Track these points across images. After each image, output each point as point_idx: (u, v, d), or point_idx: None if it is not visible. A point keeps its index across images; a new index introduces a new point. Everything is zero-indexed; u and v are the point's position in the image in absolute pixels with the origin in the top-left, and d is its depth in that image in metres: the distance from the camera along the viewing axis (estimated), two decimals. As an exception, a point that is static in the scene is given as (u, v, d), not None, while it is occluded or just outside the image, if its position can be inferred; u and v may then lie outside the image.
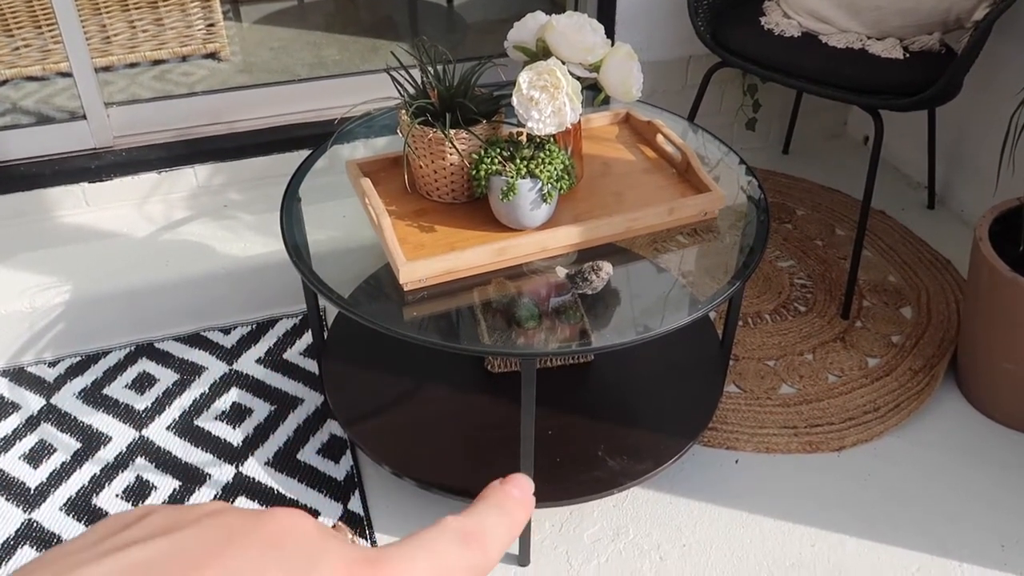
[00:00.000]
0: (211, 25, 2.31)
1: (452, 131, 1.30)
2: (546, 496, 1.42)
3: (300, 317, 1.97)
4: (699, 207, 1.40)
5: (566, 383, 1.63)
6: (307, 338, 1.91)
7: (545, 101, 1.25)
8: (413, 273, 1.26)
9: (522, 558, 1.48)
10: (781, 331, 1.96)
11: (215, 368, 1.84)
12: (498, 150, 1.30)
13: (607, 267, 1.25)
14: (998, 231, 1.70)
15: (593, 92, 1.40)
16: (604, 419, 1.56)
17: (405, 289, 1.28)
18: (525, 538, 1.46)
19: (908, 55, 1.90)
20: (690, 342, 1.73)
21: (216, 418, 1.73)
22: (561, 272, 1.29)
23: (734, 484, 1.63)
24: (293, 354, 1.88)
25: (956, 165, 2.33)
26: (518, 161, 1.28)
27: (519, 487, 0.28)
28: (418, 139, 1.33)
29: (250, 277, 1.94)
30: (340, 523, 0.49)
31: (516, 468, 1.42)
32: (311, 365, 1.85)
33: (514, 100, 1.26)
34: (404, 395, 1.61)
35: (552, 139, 1.33)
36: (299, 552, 0.22)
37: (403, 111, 1.34)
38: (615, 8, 2.17)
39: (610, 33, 2.20)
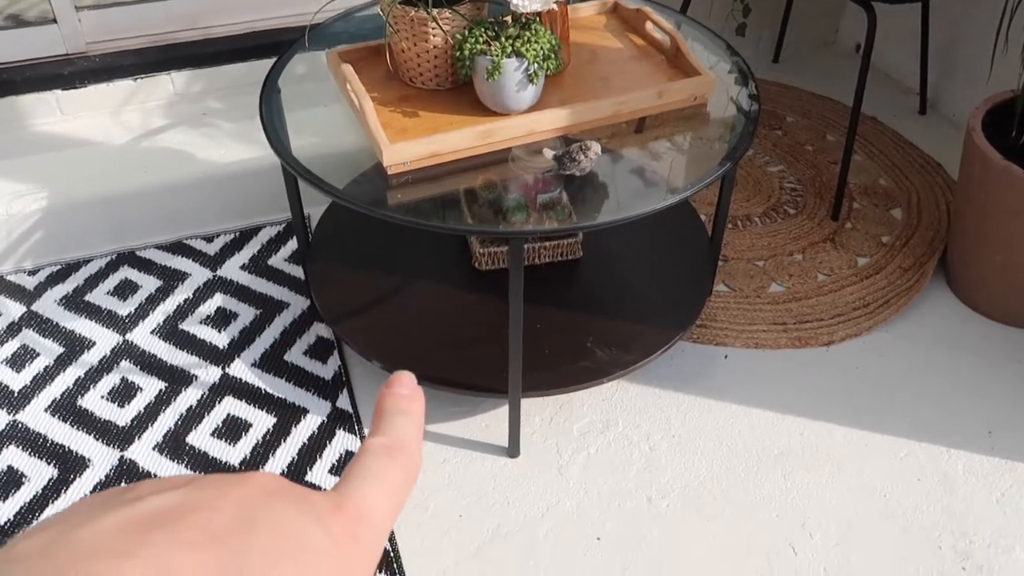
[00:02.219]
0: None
1: (435, 10, 1.26)
2: (535, 385, 1.41)
3: (284, 224, 1.94)
4: (689, 91, 1.37)
5: (554, 279, 1.62)
6: (292, 245, 1.89)
7: (530, -25, 1.20)
8: (397, 155, 1.23)
9: (512, 450, 1.48)
10: (771, 233, 1.95)
11: (198, 275, 1.81)
12: (483, 29, 1.26)
13: (595, 147, 1.22)
14: (990, 123, 1.68)
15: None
16: (593, 313, 1.55)
17: (389, 173, 1.25)
18: (514, 431, 1.46)
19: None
20: (679, 241, 1.71)
21: (201, 322, 1.71)
22: (548, 154, 1.27)
23: (723, 378, 1.63)
24: (278, 260, 1.85)
25: (948, 69, 2.30)
26: (503, 40, 1.24)
27: (403, 384, 0.31)
28: (400, 20, 1.29)
29: (231, 184, 1.90)
30: None
31: (504, 359, 1.41)
32: (296, 271, 1.82)
33: (498, -25, 1.22)
34: (391, 294, 1.59)
35: (538, 19, 1.29)
36: (296, 499, 0.24)
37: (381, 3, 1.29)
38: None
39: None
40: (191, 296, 1.76)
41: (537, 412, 1.56)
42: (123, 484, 0.30)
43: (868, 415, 1.56)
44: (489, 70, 1.23)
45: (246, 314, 1.72)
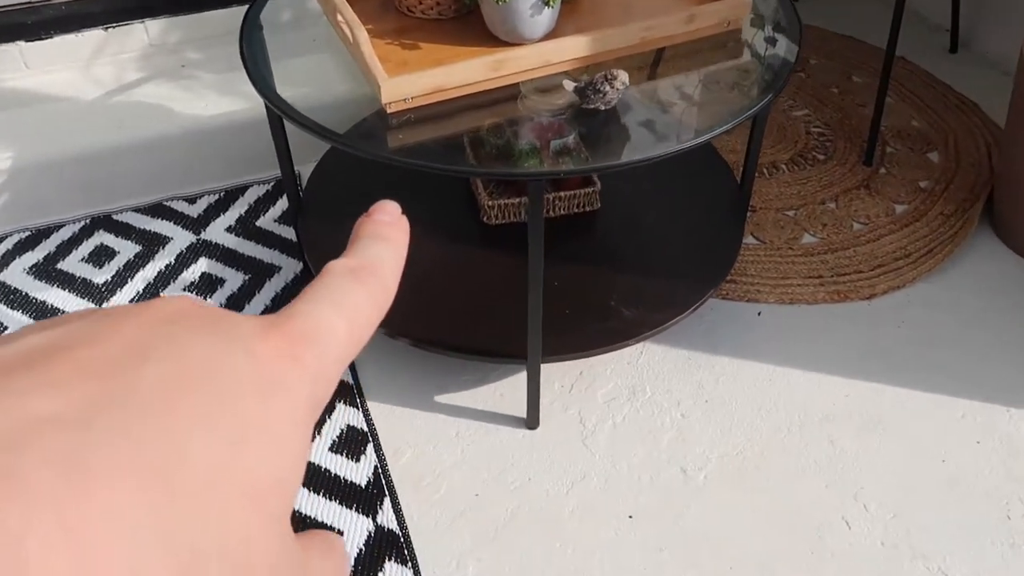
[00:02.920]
0: None
1: (435, -77, 1.10)
2: (557, 349, 1.28)
3: (272, 182, 1.79)
4: (721, 15, 1.21)
5: (570, 234, 1.47)
6: (281, 204, 1.74)
7: None
8: (396, 91, 1.08)
9: (530, 420, 1.34)
10: (799, 180, 1.80)
11: (181, 238, 1.66)
12: (490, -55, 1.11)
13: (622, 76, 1.07)
14: (1045, 51, 1.53)
15: None
16: (615, 270, 1.41)
17: (388, 111, 1.10)
18: (533, 399, 1.32)
19: None
20: (705, 189, 1.57)
21: (185, 289, 1.56)
22: (569, 86, 1.12)
23: (757, 337, 1.49)
24: (267, 221, 1.70)
25: (981, 3, 2.14)
26: (514, -47, 1.09)
27: (384, 211, 0.26)
28: (395, -64, 1.13)
29: (214, 140, 1.75)
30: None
31: (520, 321, 1.27)
32: (287, 232, 1.68)
33: None
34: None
35: (552, -68, 1.13)
36: (210, 322, 0.19)
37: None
38: None
39: None
40: (173, 262, 1.62)
41: (556, 378, 1.42)
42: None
43: (918, 373, 1.42)
44: (499, -10, 1.08)
45: (234, 280, 1.58)
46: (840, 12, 2.34)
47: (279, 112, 1.13)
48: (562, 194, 1.46)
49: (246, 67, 1.20)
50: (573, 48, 1.14)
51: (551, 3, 1.10)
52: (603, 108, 1.10)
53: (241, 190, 1.77)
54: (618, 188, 1.55)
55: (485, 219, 1.48)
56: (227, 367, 0.18)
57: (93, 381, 0.16)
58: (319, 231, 1.48)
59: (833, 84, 2.07)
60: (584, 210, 1.50)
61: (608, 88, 1.07)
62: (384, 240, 0.25)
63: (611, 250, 1.45)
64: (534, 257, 1.12)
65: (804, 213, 1.72)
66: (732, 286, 1.57)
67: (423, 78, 1.08)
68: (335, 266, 0.23)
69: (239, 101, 1.77)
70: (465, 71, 1.10)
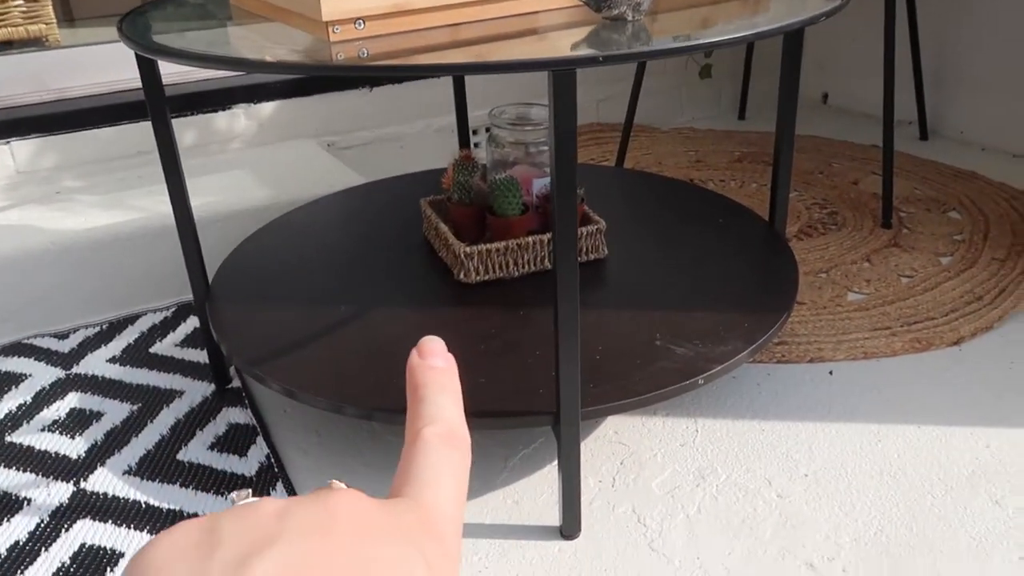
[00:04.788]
0: (33, 0, 1.82)
1: None
2: (601, 398, 0.87)
3: (172, 309, 1.38)
4: (744, -53, 0.97)
5: (581, 280, 1.11)
6: (183, 329, 1.33)
7: None
8: (341, 2, 0.76)
9: (567, 525, 0.90)
10: (818, 247, 1.51)
11: (42, 375, 1.22)
12: None
13: (653, -37, 0.78)
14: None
15: None
16: (650, 311, 1.04)
17: (331, 40, 0.77)
18: (569, 494, 0.88)
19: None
20: (728, 230, 1.25)
21: (43, 430, 1.10)
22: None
23: (838, 396, 1.11)
24: (165, 347, 1.28)
25: (944, 87, 2.03)
26: None
27: (435, 355, 0.29)
28: None
29: (95, 259, 1.36)
30: (334, 481, 0.22)
31: (531, 375, 0.88)
32: (195, 355, 1.26)
33: None
34: (341, 328, 1.05)
35: None
36: (390, 537, 0.22)
37: None
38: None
39: None
40: (29, 400, 1.16)
41: (589, 472, 0.99)
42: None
43: (1066, 409, 1.06)
44: None
45: (116, 412, 1.13)
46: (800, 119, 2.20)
47: (163, 55, 0.78)
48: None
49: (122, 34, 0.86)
50: (575, -35, 0.86)
51: (540, -97, 0.83)
52: (631, 16, 0.79)
53: (129, 320, 1.36)
54: (626, 232, 1.22)
55: (462, 276, 1.11)
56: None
57: None
58: (235, 311, 1.08)
59: (815, 170, 1.86)
60: (589, 257, 1.15)
61: (636, -18, 0.77)
62: (447, 391, 0.28)
63: (634, 294, 1.08)
64: (564, 263, 0.75)
65: (839, 273, 1.42)
66: (786, 348, 1.22)
67: (379, -16, 0.77)
68: (428, 436, 0.26)
69: (128, 212, 1.41)
70: (436, -18, 0.79)
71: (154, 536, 0.22)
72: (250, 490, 0.25)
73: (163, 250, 1.37)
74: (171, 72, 1.59)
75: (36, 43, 1.88)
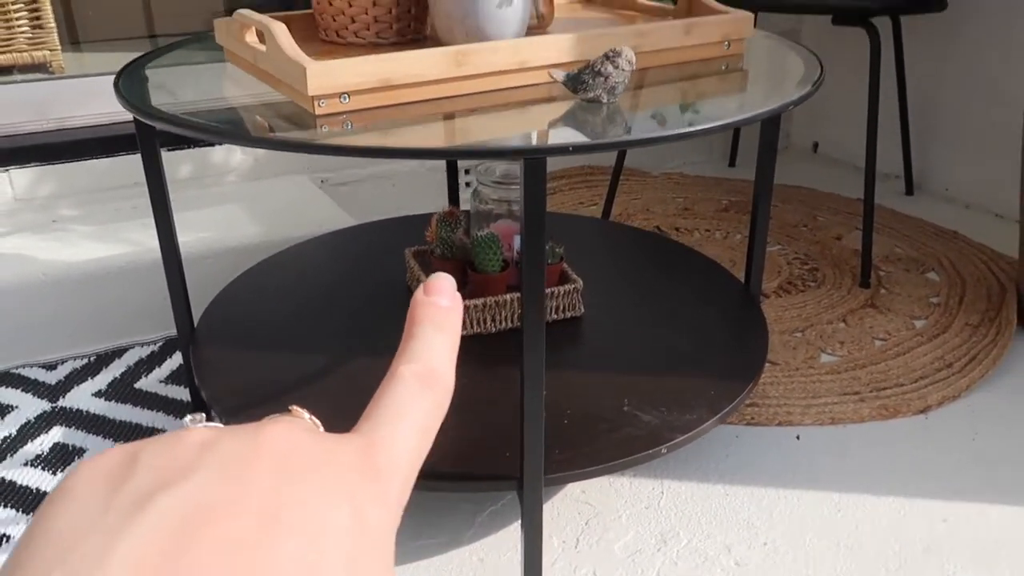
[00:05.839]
0: (38, 27, 1.86)
1: (371, -92, 0.88)
2: (565, 465, 0.90)
3: (160, 343, 1.41)
4: (723, 29, 1.00)
5: (552, 341, 1.14)
6: (169, 365, 1.35)
7: None
8: (327, 79, 0.79)
9: (529, 586, 0.92)
10: (796, 305, 1.54)
11: (28, 407, 1.25)
12: (442, -70, 0.89)
13: (628, 52, 0.82)
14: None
15: None
16: (619, 373, 1.07)
17: (317, 114, 0.80)
18: (532, 555, 0.91)
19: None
20: (703, 289, 1.28)
21: (26, 464, 1.13)
22: (558, 75, 0.85)
23: (803, 463, 1.14)
24: (150, 383, 1.31)
25: (930, 143, 2.07)
26: (475, -75, 0.86)
27: (442, 292, 0.27)
28: (321, -73, 0.90)
29: (86, 291, 1.39)
30: (295, 407, 0.22)
31: (500, 438, 0.91)
32: (177, 392, 1.28)
33: None
34: (326, 373, 1.07)
35: (516, -76, 0.92)
36: (315, 473, 0.21)
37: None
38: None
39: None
40: (14, 433, 1.19)
41: (554, 532, 1.02)
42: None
43: (1019, 490, 1.09)
44: (459, -36, 0.84)
45: (98, 448, 1.16)
46: (783, 173, 2.23)
47: (152, 122, 0.81)
48: (536, 294, 1.15)
49: (117, 89, 0.89)
50: (555, 47, 0.89)
51: (524, -13, 0.87)
52: (606, 99, 0.83)
53: (117, 353, 1.38)
54: (603, 289, 1.25)
55: (440, 331, 1.14)
56: (340, 532, 0.20)
57: (240, 566, 0.18)
58: (218, 356, 1.11)
59: (800, 223, 1.90)
60: (565, 315, 1.18)
61: (611, 69, 0.81)
62: (442, 331, 0.26)
63: (607, 355, 1.11)
64: (531, 327, 0.78)
65: (814, 333, 1.44)
66: (756, 410, 1.24)
67: (364, 64, 0.80)
68: (403, 373, 0.25)
69: (120, 246, 1.44)
70: (420, 62, 0.82)
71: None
72: (204, 414, 0.24)
73: (153, 285, 1.40)
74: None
75: (40, 68, 1.92)
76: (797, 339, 1.43)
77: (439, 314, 0.27)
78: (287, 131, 0.81)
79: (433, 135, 0.82)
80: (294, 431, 0.22)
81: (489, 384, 1.04)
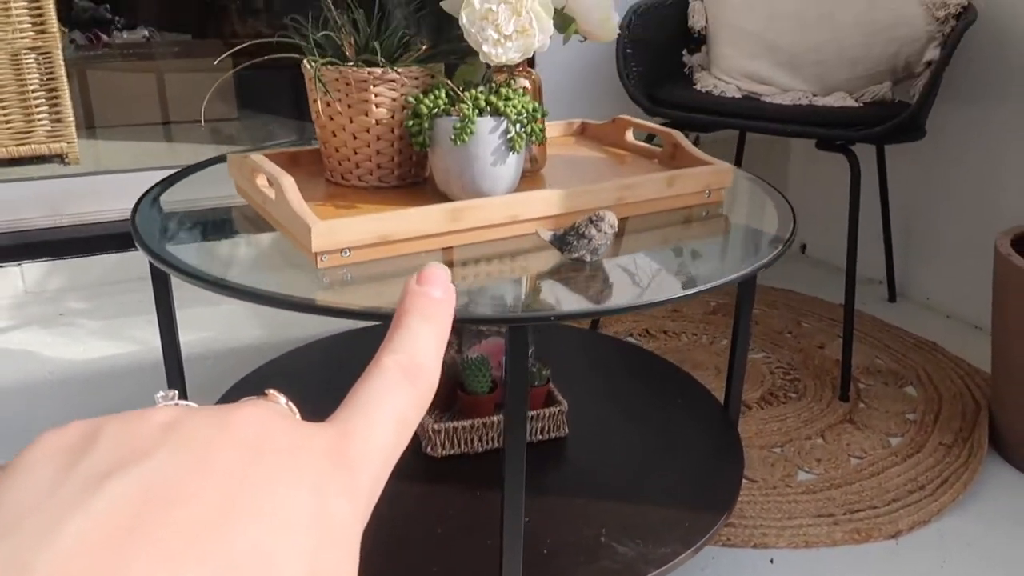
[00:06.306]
0: (58, 121, 1.94)
1: (379, 70, 0.96)
2: (539, 597, 0.94)
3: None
4: (704, 180, 1.07)
5: (536, 462, 1.19)
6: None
7: (506, 16, 0.93)
8: (331, 237, 0.86)
9: None
10: (777, 418, 1.59)
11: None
12: (443, 91, 0.96)
13: (610, 217, 0.88)
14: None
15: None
16: (599, 501, 1.12)
17: (319, 266, 0.86)
18: None
19: (861, 105, 1.73)
20: (684, 412, 1.33)
21: None
22: (544, 235, 0.91)
23: (779, 588, 1.18)
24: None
25: (912, 253, 2.14)
26: (474, 92, 0.94)
27: (435, 283, 0.26)
28: (332, 85, 0.97)
29: (90, 392, 1.44)
30: (271, 391, 0.24)
31: (477, 565, 0.95)
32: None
33: (463, 18, 0.94)
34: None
35: (509, 83, 1.00)
36: (281, 459, 0.20)
37: (305, 61, 0.99)
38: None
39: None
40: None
41: (532, 655, 1.05)
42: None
43: (988, 619, 1.12)
44: (457, 129, 0.91)
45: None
46: (770, 275, 2.31)
47: (167, 269, 0.87)
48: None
49: (134, 229, 0.96)
50: (544, 202, 0.96)
51: (516, 147, 0.94)
52: (589, 259, 0.89)
53: (117, 449, 1.43)
54: (588, 410, 1.30)
55: (429, 450, 1.19)
56: (303, 525, 0.19)
57: (194, 550, 0.17)
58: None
59: (785, 330, 1.96)
60: (550, 436, 1.23)
61: (595, 232, 0.87)
62: (431, 322, 0.26)
63: (588, 479, 1.16)
64: (512, 466, 0.83)
65: (792, 449, 1.49)
66: (733, 530, 1.28)
67: (365, 223, 0.86)
68: (387, 364, 0.24)
69: (127, 344, 1.50)
70: (418, 219, 0.89)
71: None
72: (176, 392, 0.23)
73: (157, 385, 1.45)
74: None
75: (56, 159, 2.00)
76: (776, 455, 1.48)
77: (430, 305, 0.26)
78: (292, 276, 0.87)
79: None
80: (267, 415, 0.21)
81: (473, 509, 1.09)
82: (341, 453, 0.21)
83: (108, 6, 3.54)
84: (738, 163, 2.22)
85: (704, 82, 1.87)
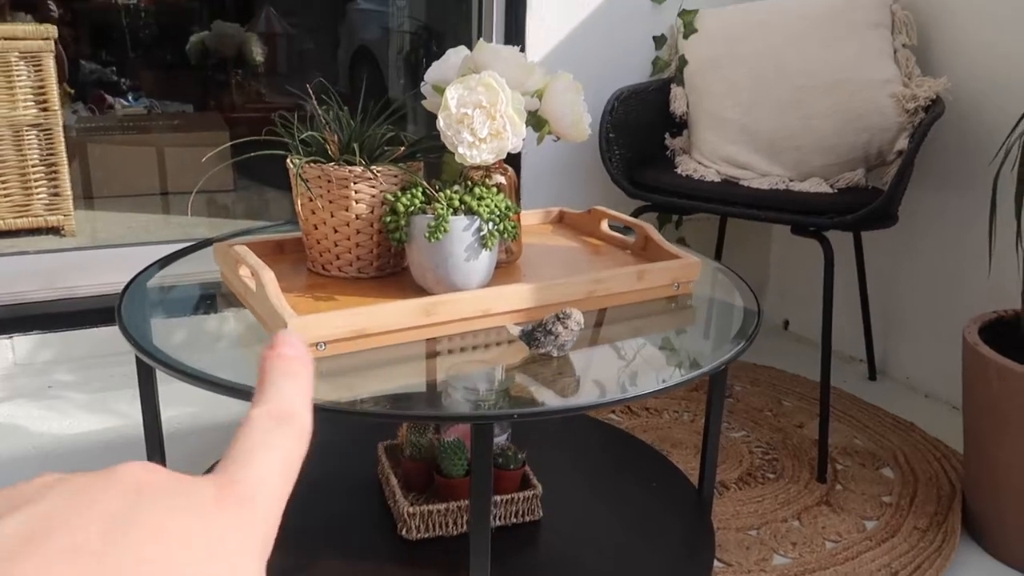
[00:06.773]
0: (56, 195, 1.98)
1: (359, 168, 1.00)
2: None
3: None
4: (672, 274, 1.12)
5: (510, 547, 1.21)
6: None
7: (480, 120, 0.98)
8: (306, 332, 0.89)
9: None
10: (754, 499, 1.61)
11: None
12: (420, 190, 1.01)
13: (576, 315, 0.92)
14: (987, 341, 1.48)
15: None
16: (569, 586, 1.13)
17: (295, 360, 0.89)
18: None
19: (836, 191, 1.79)
20: (659, 495, 1.35)
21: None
22: (514, 330, 0.95)
23: (749, 677, 1.18)
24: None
25: (891, 332, 2.18)
26: (449, 192, 0.98)
27: (288, 345, 0.28)
28: (314, 181, 1.02)
29: (73, 466, 1.45)
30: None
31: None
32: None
33: (440, 122, 0.99)
34: (292, 572, 1.13)
35: (484, 181, 1.05)
36: (166, 497, 0.21)
37: (289, 160, 1.04)
38: (519, 169, 2.01)
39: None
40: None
41: None
42: None
43: None
44: (432, 227, 0.95)
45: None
46: (753, 351, 2.33)
47: (153, 364, 0.91)
48: (497, 499, 1.22)
49: (119, 319, 0.99)
50: (516, 296, 0.99)
51: (489, 245, 0.98)
52: (556, 354, 0.92)
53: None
54: (563, 493, 1.31)
55: (404, 532, 1.20)
56: (192, 544, 0.20)
57: (76, 569, 0.18)
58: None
59: (765, 408, 1.98)
60: (523, 520, 1.25)
61: (561, 329, 0.91)
62: (293, 377, 0.27)
63: (561, 568, 1.18)
64: (478, 554, 0.86)
65: (768, 532, 1.50)
66: (705, 615, 1.29)
67: (340, 318, 0.90)
68: (255, 415, 0.25)
69: (112, 418, 1.52)
70: (391, 313, 0.93)
71: None
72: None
73: (142, 453, 1.47)
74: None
75: (53, 231, 2.04)
76: (752, 538, 1.49)
77: (286, 363, 0.27)
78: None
79: (398, 383, 0.92)
80: (152, 467, 0.22)
81: (445, 593, 1.10)
82: (228, 494, 0.22)
83: (115, 68, 3.64)
84: (720, 240, 2.27)
85: (685, 165, 1.93)
